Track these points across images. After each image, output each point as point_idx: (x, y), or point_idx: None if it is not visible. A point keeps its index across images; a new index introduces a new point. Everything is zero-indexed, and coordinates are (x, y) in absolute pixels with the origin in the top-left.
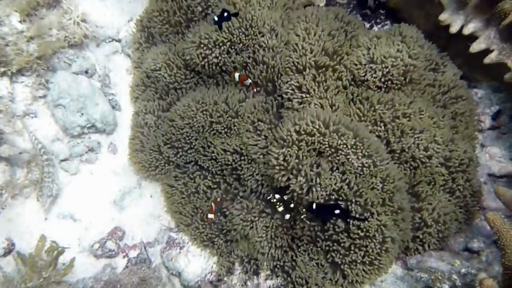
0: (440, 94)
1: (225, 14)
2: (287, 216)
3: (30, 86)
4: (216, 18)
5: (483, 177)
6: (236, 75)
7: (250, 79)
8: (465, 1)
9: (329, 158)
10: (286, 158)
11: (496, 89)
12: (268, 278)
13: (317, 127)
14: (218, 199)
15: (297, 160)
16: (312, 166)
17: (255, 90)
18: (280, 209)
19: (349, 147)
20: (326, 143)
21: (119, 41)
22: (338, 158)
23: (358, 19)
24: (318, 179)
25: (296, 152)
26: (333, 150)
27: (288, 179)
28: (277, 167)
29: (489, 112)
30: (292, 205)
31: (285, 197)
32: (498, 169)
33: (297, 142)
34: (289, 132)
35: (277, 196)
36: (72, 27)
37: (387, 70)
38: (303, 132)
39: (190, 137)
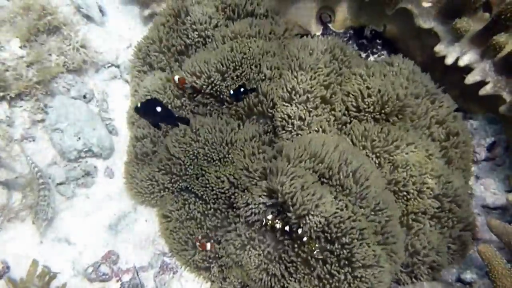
0: (435, 127)
1: (242, 89)
2: (287, 228)
3: (29, 111)
4: (232, 92)
5: (477, 209)
6: (176, 77)
7: (190, 83)
8: (461, 33)
9: (330, 187)
10: (287, 186)
11: (491, 121)
12: None
13: (314, 154)
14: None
15: (297, 188)
16: (313, 194)
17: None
18: (278, 226)
19: (348, 175)
20: (325, 170)
21: (117, 66)
22: (336, 186)
23: (354, 49)
24: (318, 208)
25: (298, 180)
26: (330, 176)
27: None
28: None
29: (484, 144)
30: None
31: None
32: (493, 201)
33: (297, 170)
34: (289, 160)
35: (269, 217)
36: (72, 53)
37: (381, 102)
38: (301, 160)
39: (185, 165)
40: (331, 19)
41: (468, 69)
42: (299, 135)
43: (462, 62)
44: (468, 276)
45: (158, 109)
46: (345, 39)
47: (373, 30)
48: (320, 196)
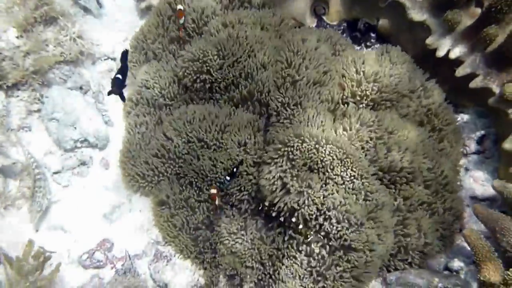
0: (426, 116)
1: (235, 169)
2: (282, 218)
3: (25, 100)
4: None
5: (466, 200)
6: (178, 6)
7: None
8: (452, 25)
9: (319, 174)
10: (277, 175)
11: (481, 114)
12: None
13: (307, 143)
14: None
15: (288, 177)
16: (302, 182)
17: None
18: (274, 214)
19: (339, 163)
20: (317, 159)
21: (114, 59)
22: (327, 174)
23: (347, 40)
24: (308, 196)
25: (288, 169)
26: (322, 166)
27: (278, 195)
28: (268, 186)
29: (474, 137)
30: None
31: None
32: (481, 192)
33: (287, 158)
34: (280, 148)
35: (266, 203)
36: (68, 44)
37: (376, 88)
38: (294, 149)
39: (180, 151)
40: (325, 11)
41: (459, 62)
42: (293, 122)
43: (453, 55)
44: (456, 264)
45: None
46: (339, 31)
47: (366, 23)
48: (310, 184)
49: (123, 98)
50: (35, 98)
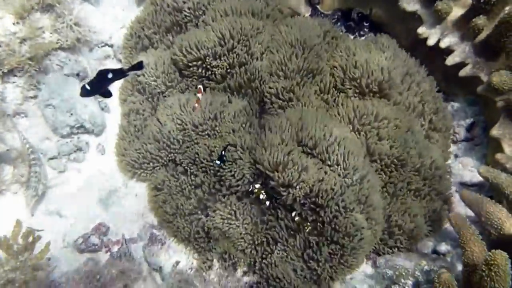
0: (416, 104)
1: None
2: (267, 203)
3: (21, 87)
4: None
5: (455, 186)
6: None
7: None
8: (442, 15)
9: (312, 158)
10: (274, 157)
11: (471, 102)
12: (245, 274)
13: (300, 126)
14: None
15: (283, 158)
16: (297, 164)
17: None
18: (262, 196)
19: (331, 146)
20: (310, 142)
21: (111, 46)
22: (318, 157)
23: (340, 29)
24: (301, 177)
25: (283, 151)
26: (315, 149)
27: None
28: (266, 166)
29: (464, 124)
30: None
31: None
32: (470, 178)
33: (282, 142)
34: (276, 132)
35: (257, 185)
36: (65, 31)
37: (366, 77)
38: (287, 131)
39: (175, 137)
40: (320, 0)
41: (449, 51)
42: (286, 109)
43: (443, 44)
44: (443, 248)
45: (110, 75)
46: (333, 20)
47: (360, 12)
48: (303, 167)
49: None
50: (31, 85)
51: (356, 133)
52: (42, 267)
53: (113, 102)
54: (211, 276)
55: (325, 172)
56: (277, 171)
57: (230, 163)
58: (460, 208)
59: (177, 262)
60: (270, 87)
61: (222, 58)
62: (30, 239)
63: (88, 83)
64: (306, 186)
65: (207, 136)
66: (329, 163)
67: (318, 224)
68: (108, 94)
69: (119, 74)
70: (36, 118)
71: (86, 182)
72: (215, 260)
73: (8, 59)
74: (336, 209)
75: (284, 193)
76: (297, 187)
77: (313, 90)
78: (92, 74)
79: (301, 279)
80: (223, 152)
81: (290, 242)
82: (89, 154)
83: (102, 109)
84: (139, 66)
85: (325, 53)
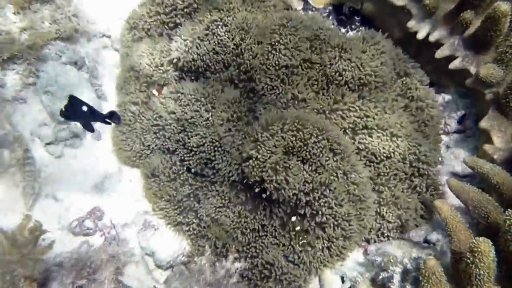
0: (407, 98)
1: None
2: (264, 195)
3: (21, 74)
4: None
5: (447, 177)
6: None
7: None
8: (430, 10)
9: (300, 153)
10: (260, 154)
11: (462, 95)
12: (236, 260)
13: (288, 123)
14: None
15: (270, 155)
16: (283, 160)
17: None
18: (257, 190)
19: (318, 142)
20: (298, 139)
21: (109, 37)
22: (307, 152)
23: (331, 24)
24: (289, 173)
25: (270, 148)
26: (303, 145)
27: (261, 172)
28: (251, 163)
29: (455, 116)
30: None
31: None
32: (462, 169)
33: (270, 138)
34: (264, 129)
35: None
36: (64, 21)
37: (357, 71)
38: (276, 128)
39: (169, 125)
40: None
41: (439, 44)
42: (277, 102)
43: (432, 38)
44: (434, 237)
45: (84, 108)
46: (325, 14)
47: (351, 7)
48: (292, 163)
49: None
50: (30, 72)
51: (345, 124)
52: (41, 260)
53: (110, 90)
54: (202, 262)
55: (314, 167)
56: (266, 172)
57: (223, 152)
58: (452, 199)
59: (176, 256)
60: (262, 80)
61: (215, 51)
62: (37, 232)
63: (64, 107)
64: (296, 184)
65: (201, 126)
66: (318, 158)
67: (309, 215)
68: (90, 129)
69: (92, 114)
70: (34, 105)
71: (82, 167)
72: (207, 246)
73: (8, 46)
74: (326, 203)
75: (274, 193)
76: (286, 186)
77: (304, 84)
78: (89, 64)
79: (292, 266)
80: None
81: (281, 229)
82: (85, 141)
83: (99, 96)
84: (116, 118)
85: (317, 47)
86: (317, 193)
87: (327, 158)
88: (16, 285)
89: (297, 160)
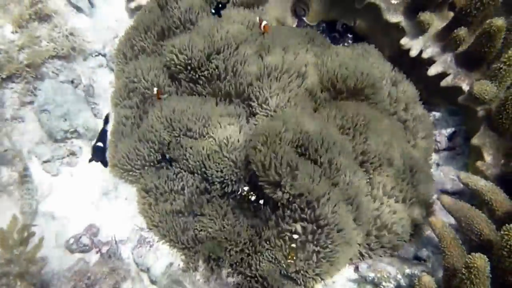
0: (399, 109)
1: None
2: (261, 201)
3: (19, 92)
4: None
5: (436, 194)
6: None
7: None
8: (424, 26)
9: (302, 158)
10: (263, 160)
11: (452, 112)
12: (229, 275)
13: (290, 130)
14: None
15: (273, 161)
16: (287, 166)
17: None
18: (253, 198)
19: (319, 148)
20: (299, 143)
21: (104, 55)
22: (308, 157)
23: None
24: (291, 180)
25: (272, 154)
26: (304, 151)
27: (265, 179)
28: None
29: (445, 133)
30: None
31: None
32: (451, 186)
33: (271, 144)
34: (263, 135)
35: (246, 188)
36: (61, 40)
37: (352, 81)
38: (278, 134)
39: (163, 140)
40: (305, 12)
41: (431, 62)
42: (275, 111)
43: (425, 54)
44: (425, 253)
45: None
46: (318, 31)
47: (344, 24)
48: (292, 169)
49: (105, 164)
50: (28, 90)
51: (343, 133)
52: (36, 262)
53: (106, 108)
54: (196, 277)
55: (315, 174)
56: (267, 172)
57: (217, 164)
58: (442, 216)
59: (171, 264)
60: (256, 90)
61: (211, 63)
62: (25, 234)
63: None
64: (294, 188)
65: (195, 139)
66: (318, 164)
67: (304, 224)
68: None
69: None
70: (32, 123)
71: (78, 185)
72: (200, 262)
73: (6, 65)
74: (325, 211)
75: (273, 195)
76: (286, 188)
77: (300, 93)
78: (85, 82)
79: (285, 280)
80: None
81: (275, 243)
82: (82, 158)
83: (95, 115)
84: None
85: (313, 57)
86: (311, 204)
87: (326, 166)
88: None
89: (301, 165)
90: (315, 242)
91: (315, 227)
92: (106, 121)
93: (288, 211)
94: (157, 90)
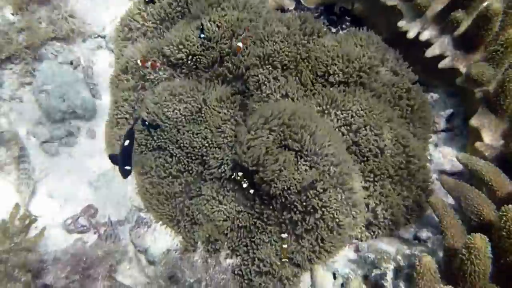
0: (397, 95)
1: None
2: (252, 191)
3: (18, 73)
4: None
5: (435, 174)
6: (138, 61)
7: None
8: (421, 9)
9: (292, 148)
10: (253, 149)
11: (451, 94)
12: (228, 257)
13: (281, 119)
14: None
15: (263, 151)
16: (277, 157)
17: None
18: (245, 185)
19: (310, 137)
20: (290, 134)
21: (104, 37)
22: (299, 147)
23: (324, 24)
24: (283, 169)
25: (263, 143)
26: (295, 140)
27: (255, 169)
28: (244, 157)
29: (444, 115)
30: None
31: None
32: (450, 167)
33: (263, 133)
34: (256, 124)
35: (240, 173)
36: (60, 22)
37: (347, 69)
38: (269, 123)
39: (162, 123)
40: None
41: (428, 44)
42: (268, 99)
43: (423, 37)
44: (424, 234)
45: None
46: (316, 14)
47: (342, 7)
48: (283, 160)
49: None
50: (27, 71)
51: (334, 122)
52: (35, 251)
53: (104, 89)
54: (195, 258)
55: (304, 163)
56: (257, 167)
57: (215, 148)
58: (441, 196)
59: (169, 245)
60: (254, 76)
61: (210, 48)
62: (27, 221)
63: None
64: (285, 180)
65: (193, 122)
66: (308, 153)
67: (299, 210)
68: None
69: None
70: (30, 104)
71: (76, 165)
72: (199, 243)
73: (6, 46)
74: (316, 195)
75: (265, 188)
76: (277, 182)
77: (294, 81)
78: (84, 64)
79: (284, 263)
80: None
81: (273, 225)
82: (80, 139)
83: (94, 96)
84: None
85: (308, 43)
86: (308, 188)
87: (318, 155)
88: (11, 275)
89: (291, 155)
90: (313, 227)
91: (311, 210)
92: (130, 137)
93: (282, 199)
94: (152, 62)
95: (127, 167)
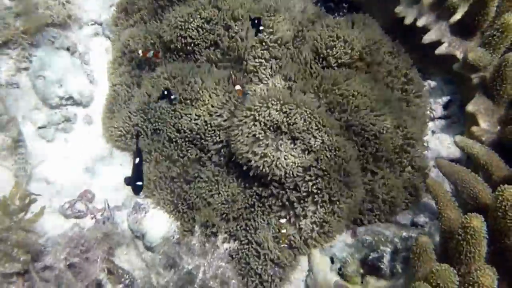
0: (395, 78)
1: None
2: (250, 174)
3: (14, 58)
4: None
5: (432, 161)
6: (140, 51)
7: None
8: None
9: (288, 133)
10: (249, 133)
11: (448, 81)
12: (225, 241)
13: (277, 103)
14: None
15: (259, 135)
16: (273, 141)
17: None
18: (244, 168)
19: (306, 122)
20: (286, 119)
21: (100, 24)
22: (295, 132)
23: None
24: (278, 154)
25: (258, 127)
26: (291, 125)
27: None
28: (240, 142)
29: (441, 102)
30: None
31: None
32: (447, 154)
33: (258, 118)
34: (252, 108)
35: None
36: (57, 8)
37: (346, 50)
38: (264, 109)
39: (158, 107)
40: None
41: (426, 30)
42: (267, 81)
43: (419, 23)
44: (421, 219)
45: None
46: (314, 1)
47: None
48: (279, 145)
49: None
50: (24, 57)
51: (334, 103)
52: (34, 231)
53: (101, 75)
54: (192, 242)
55: (301, 146)
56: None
57: (213, 131)
58: None
59: (166, 230)
60: (253, 57)
61: (208, 30)
62: (26, 200)
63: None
64: (282, 166)
65: (190, 105)
66: (303, 138)
67: (297, 197)
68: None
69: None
70: (27, 89)
71: (73, 151)
72: (196, 227)
73: (3, 31)
74: (313, 182)
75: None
76: (276, 168)
77: (293, 62)
78: (81, 50)
79: (280, 246)
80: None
81: (270, 209)
82: (77, 125)
83: (91, 81)
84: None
85: (309, 24)
86: (306, 171)
87: (315, 137)
88: (9, 254)
89: (287, 139)
90: (310, 211)
91: (308, 193)
92: (139, 154)
93: (280, 183)
94: (153, 53)
95: (139, 183)
